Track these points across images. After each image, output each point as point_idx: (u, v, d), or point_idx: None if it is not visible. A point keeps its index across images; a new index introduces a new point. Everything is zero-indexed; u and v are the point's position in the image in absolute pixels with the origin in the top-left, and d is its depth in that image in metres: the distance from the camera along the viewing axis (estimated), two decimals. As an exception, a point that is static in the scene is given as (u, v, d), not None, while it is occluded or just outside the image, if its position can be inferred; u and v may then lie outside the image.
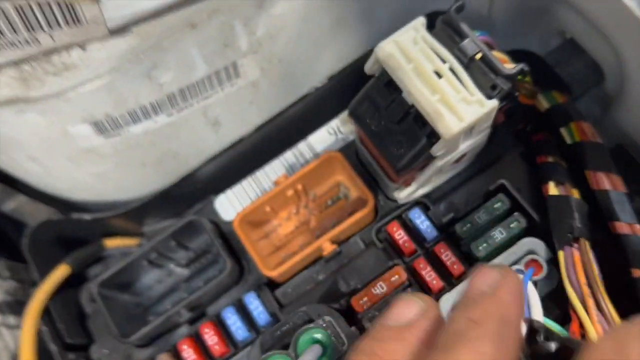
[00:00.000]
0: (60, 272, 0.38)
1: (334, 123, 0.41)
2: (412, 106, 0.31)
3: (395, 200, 0.38)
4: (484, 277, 0.23)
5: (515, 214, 0.35)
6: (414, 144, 0.31)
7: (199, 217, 0.37)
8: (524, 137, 0.39)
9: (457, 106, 0.30)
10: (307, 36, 0.37)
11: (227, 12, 0.32)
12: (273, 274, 0.36)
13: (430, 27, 0.41)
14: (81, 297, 0.41)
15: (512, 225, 0.34)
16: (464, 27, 0.31)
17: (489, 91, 0.30)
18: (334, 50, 0.40)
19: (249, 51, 0.36)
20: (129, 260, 0.37)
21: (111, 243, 0.42)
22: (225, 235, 0.39)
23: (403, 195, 0.34)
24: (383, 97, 0.32)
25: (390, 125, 0.32)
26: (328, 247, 0.36)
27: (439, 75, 0.30)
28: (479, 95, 0.30)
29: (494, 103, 0.30)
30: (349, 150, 0.39)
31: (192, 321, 0.37)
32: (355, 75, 0.40)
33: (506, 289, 0.23)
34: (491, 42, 0.32)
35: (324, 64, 0.41)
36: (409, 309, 0.23)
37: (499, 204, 0.35)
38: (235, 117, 0.40)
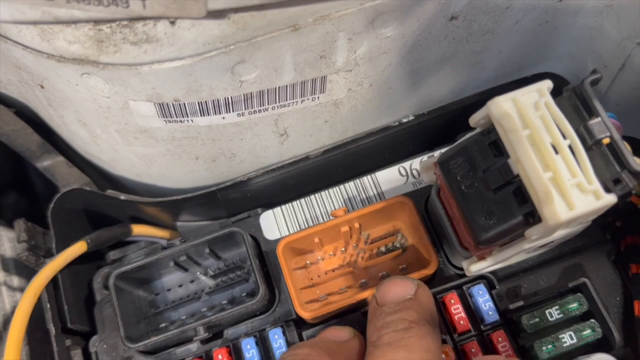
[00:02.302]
0: (76, 249, 0.35)
1: (408, 164, 0.37)
2: (517, 176, 0.27)
3: (457, 267, 0.34)
4: (404, 287, 0.29)
5: (592, 320, 0.31)
6: (507, 218, 0.27)
7: (242, 230, 0.34)
8: (610, 230, 0.35)
9: (569, 191, 0.26)
10: (407, 66, 0.34)
11: (335, 21, 0.29)
12: (307, 315, 0.32)
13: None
14: (94, 280, 0.37)
15: (585, 333, 0.30)
16: (597, 104, 0.27)
17: (609, 183, 0.26)
18: (429, 88, 0.36)
19: (343, 68, 0.32)
20: (155, 257, 0.34)
21: (139, 230, 0.39)
22: (263, 254, 0.36)
23: (473, 269, 0.30)
24: (483, 156, 0.28)
25: (484, 190, 0.28)
26: (374, 302, 0.32)
27: (555, 150, 0.27)
28: (596, 184, 0.26)
29: (611, 199, 0.26)
30: (417, 198, 0.36)
31: (205, 340, 0.34)
32: (445, 119, 0.37)
33: (423, 292, 0.29)
34: (620, 127, 0.28)
35: (414, 99, 0.37)
36: (343, 332, 0.30)
37: (576, 304, 0.31)
38: (305, 132, 0.36)
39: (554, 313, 0.31)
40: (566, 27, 0.35)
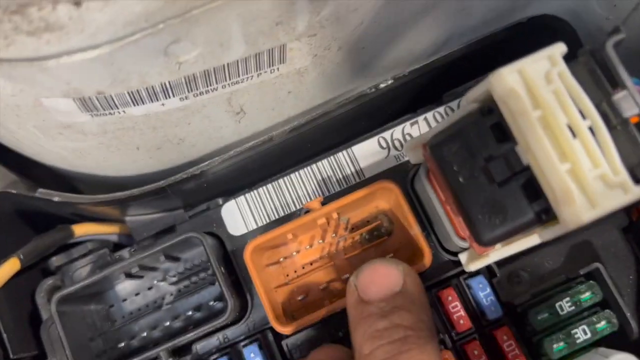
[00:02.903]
0: (8, 269, 0.29)
1: (389, 134, 0.32)
2: (527, 168, 0.22)
3: (451, 252, 0.30)
4: (389, 277, 0.25)
5: (607, 311, 0.27)
6: (516, 217, 0.23)
7: (200, 234, 0.29)
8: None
9: (592, 186, 0.21)
10: (382, 22, 0.28)
11: (291, -19, 0.22)
12: (286, 331, 0.28)
13: (533, 31, 0.32)
14: (37, 295, 0.32)
15: (599, 326, 0.27)
16: (623, 72, 0.22)
17: (637, 170, 0.22)
18: (408, 44, 0.31)
19: (305, 33, 0.26)
20: (102, 274, 0.29)
21: (82, 230, 0.33)
22: (228, 255, 0.31)
23: (473, 267, 0.26)
24: (484, 142, 0.23)
25: (486, 183, 0.23)
26: (361, 306, 0.28)
27: (572, 133, 0.22)
28: (624, 175, 0.21)
29: (642, 191, 0.21)
30: (401, 174, 0.31)
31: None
32: (428, 78, 0.31)
33: (412, 281, 0.26)
34: (645, 94, 0.23)
35: (391, 57, 0.31)
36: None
37: (589, 294, 0.27)
38: (266, 107, 0.30)
39: (564, 306, 0.27)
40: (568, -42, 0.29)
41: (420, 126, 0.32)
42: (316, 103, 0.32)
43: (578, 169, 0.21)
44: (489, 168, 0.23)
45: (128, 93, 0.25)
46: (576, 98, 0.22)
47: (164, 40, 0.23)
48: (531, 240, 0.24)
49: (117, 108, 0.26)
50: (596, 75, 0.22)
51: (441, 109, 0.32)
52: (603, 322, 0.27)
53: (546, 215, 0.22)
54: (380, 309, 0.25)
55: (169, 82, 0.25)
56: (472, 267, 0.26)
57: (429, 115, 0.32)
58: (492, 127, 0.23)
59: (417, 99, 0.32)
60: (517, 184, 0.23)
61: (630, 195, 0.21)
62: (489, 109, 0.23)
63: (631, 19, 0.29)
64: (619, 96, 0.22)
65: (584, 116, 0.22)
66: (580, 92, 0.22)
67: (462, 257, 0.27)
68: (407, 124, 0.32)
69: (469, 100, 0.24)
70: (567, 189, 0.21)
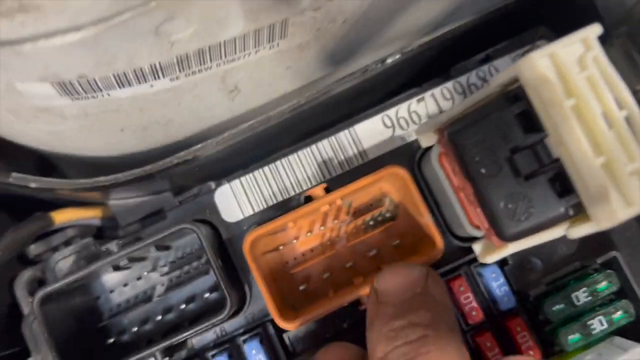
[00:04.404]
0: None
1: (394, 111, 0.30)
2: (557, 160, 0.21)
3: (461, 238, 0.29)
4: (410, 278, 0.24)
5: (624, 301, 0.26)
6: (543, 212, 0.21)
7: (195, 226, 0.26)
8: None
9: (627, 181, 0.20)
10: (393, -7, 0.25)
11: (300, -48, 0.20)
12: (291, 327, 0.26)
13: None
14: (17, 287, 0.30)
15: (616, 316, 0.26)
16: (665, 57, 0.20)
17: (676, 165, 0.20)
18: (416, 13, 0.28)
19: (309, 7, 0.23)
20: (87, 270, 0.26)
21: (62, 217, 0.31)
22: (224, 244, 0.29)
23: (490, 260, 0.25)
24: (510, 131, 0.22)
25: (511, 175, 0.22)
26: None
27: (607, 123, 0.20)
28: (661, 169, 0.20)
29: (680, 187, 0.20)
30: (407, 154, 0.29)
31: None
32: (437, 51, 0.29)
33: (434, 283, 0.24)
34: (681, 78, 0.22)
35: (397, 30, 0.29)
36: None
37: (605, 284, 0.26)
38: (262, 83, 0.28)
39: (580, 296, 0.26)
40: None
41: (427, 103, 0.30)
42: (315, 78, 0.30)
43: (613, 163, 0.20)
44: (515, 160, 0.21)
45: (113, 76, 0.22)
46: (612, 85, 0.20)
47: (156, 19, 0.20)
48: (555, 232, 0.23)
49: (101, 91, 0.23)
50: (633, 60, 0.21)
51: (449, 84, 0.30)
52: (620, 312, 0.26)
53: (577, 211, 0.21)
54: (397, 308, 0.23)
55: (159, 63, 0.23)
56: (489, 259, 0.25)
57: (436, 91, 0.30)
58: (518, 115, 0.21)
59: (422, 73, 0.30)
60: (545, 178, 0.21)
61: (668, 191, 0.20)
62: (515, 96, 0.21)
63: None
64: (661, 84, 0.20)
65: (619, 105, 0.20)
66: (616, 79, 0.20)
67: (476, 248, 0.26)
68: (414, 100, 0.30)
69: (494, 85, 0.22)
70: (602, 185, 0.19)
